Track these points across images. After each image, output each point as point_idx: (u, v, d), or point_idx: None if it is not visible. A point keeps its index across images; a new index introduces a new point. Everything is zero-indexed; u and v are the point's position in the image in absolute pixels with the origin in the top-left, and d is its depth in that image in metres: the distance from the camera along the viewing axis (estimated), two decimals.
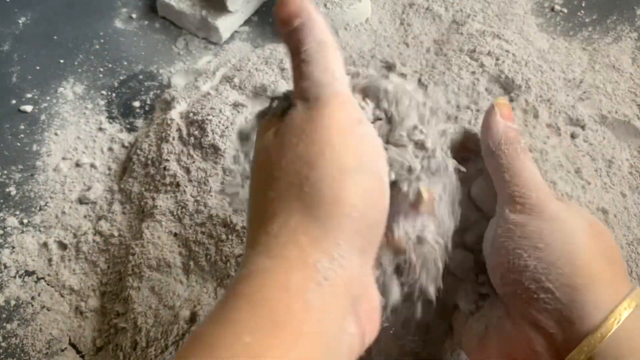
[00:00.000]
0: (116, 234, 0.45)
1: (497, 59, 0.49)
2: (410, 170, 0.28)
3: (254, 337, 0.20)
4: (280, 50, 0.53)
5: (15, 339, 0.41)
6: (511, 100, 0.46)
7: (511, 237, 0.29)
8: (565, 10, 0.58)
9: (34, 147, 0.50)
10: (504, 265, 0.29)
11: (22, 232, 0.46)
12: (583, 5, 0.58)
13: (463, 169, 0.31)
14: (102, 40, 0.58)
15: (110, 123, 0.52)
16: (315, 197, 0.24)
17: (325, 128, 0.25)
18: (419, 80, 0.47)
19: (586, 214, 0.30)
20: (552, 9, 0.58)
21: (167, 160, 0.45)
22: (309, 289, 0.22)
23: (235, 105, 0.47)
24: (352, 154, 0.25)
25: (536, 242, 0.28)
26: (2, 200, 0.47)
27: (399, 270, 0.29)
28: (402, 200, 0.28)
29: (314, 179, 0.24)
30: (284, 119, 0.27)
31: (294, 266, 0.22)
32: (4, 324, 0.41)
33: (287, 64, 0.51)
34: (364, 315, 0.24)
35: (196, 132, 0.46)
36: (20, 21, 0.59)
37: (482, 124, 0.32)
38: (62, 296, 0.43)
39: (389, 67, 0.49)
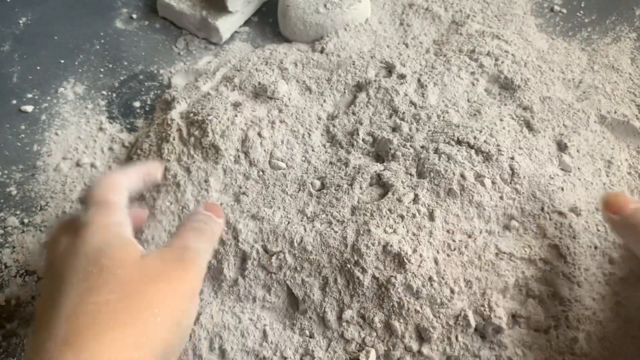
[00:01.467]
0: None
1: (497, 59, 0.49)
2: None
3: None
4: (280, 51, 0.53)
5: (16, 339, 0.41)
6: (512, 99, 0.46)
7: None
8: (565, 11, 0.58)
9: (35, 147, 0.50)
10: None
11: (23, 231, 0.46)
12: (582, 5, 0.58)
13: None
14: (102, 41, 0.58)
15: (111, 123, 0.52)
16: (148, 333, 0.28)
17: (185, 289, 0.31)
18: (419, 80, 0.47)
19: None
20: (552, 10, 0.58)
21: (167, 160, 0.45)
22: None
23: (236, 105, 0.47)
24: (187, 316, 0.31)
25: None
26: (2, 200, 0.47)
27: None
28: None
29: (152, 320, 0.29)
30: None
31: None
32: (5, 324, 0.42)
33: (288, 64, 0.51)
34: None
35: (196, 132, 0.46)
36: (20, 21, 0.59)
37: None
38: None
39: (389, 68, 0.49)
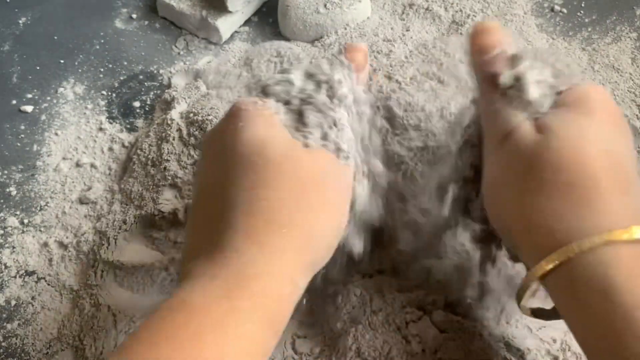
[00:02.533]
0: None
1: None
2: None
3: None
4: (280, 51, 0.53)
5: (16, 339, 0.41)
6: None
7: None
8: (565, 11, 0.58)
9: (35, 147, 0.50)
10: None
11: (23, 232, 0.46)
12: (583, 5, 0.58)
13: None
14: (102, 41, 0.58)
15: (111, 123, 0.52)
16: (317, 239, 0.29)
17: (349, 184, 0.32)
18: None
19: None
20: (552, 10, 0.58)
21: (167, 160, 0.45)
22: (288, 304, 0.28)
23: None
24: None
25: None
26: (2, 200, 0.47)
27: None
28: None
29: (320, 222, 0.29)
30: None
31: (287, 281, 0.28)
32: (5, 324, 0.42)
33: (286, 64, 0.51)
34: None
35: (196, 132, 0.46)
36: (20, 21, 0.59)
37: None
38: (62, 296, 0.43)
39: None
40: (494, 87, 0.31)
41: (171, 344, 0.23)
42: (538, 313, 0.31)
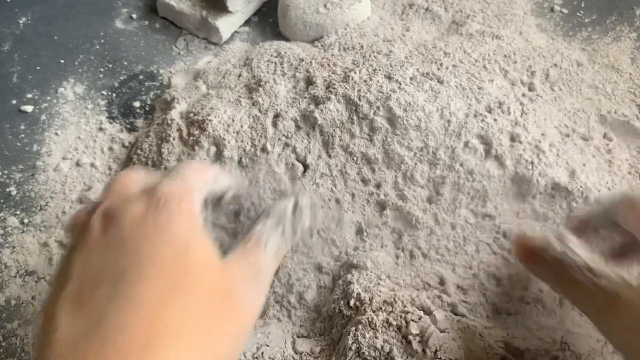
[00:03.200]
0: None
1: None
2: None
3: None
4: (280, 51, 0.53)
5: (16, 339, 0.41)
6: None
7: None
8: (565, 11, 0.58)
9: (35, 147, 0.50)
10: None
11: (23, 231, 0.46)
12: (582, 5, 0.58)
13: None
14: (102, 41, 0.58)
15: (111, 123, 0.52)
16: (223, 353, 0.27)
17: (257, 306, 0.31)
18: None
19: None
20: (552, 10, 0.58)
21: (167, 160, 0.45)
22: None
23: (236, 105, 0.47)
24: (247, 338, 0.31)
25: None
26: (2, 200, 0.47)
27: None
28: None
29: (230, 340, 0.28)
30: None
31: None
32: (5, 324, 0.42)
33: (286, 65, 0.51)
34: None
35: (196, 132, 0.46)
36: (20, 21, 0.59)
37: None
38: None
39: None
40: None
41: None
42: None
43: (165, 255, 0.26)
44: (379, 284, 0.38)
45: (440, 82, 0.46)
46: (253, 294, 0.29)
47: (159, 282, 0.25)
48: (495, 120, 0.43)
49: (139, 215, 0.27)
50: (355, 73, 0.46)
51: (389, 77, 0.46)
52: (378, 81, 0.45)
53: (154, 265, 0.26)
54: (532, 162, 0.41)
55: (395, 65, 0.47)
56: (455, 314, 0.37)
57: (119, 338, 0.23)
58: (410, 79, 0.46)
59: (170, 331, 0.24)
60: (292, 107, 0.46)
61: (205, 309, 0.26)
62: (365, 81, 0.46)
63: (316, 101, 0.46)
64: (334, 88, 0.46)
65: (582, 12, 0.58)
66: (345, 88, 0.45)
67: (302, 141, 0.44)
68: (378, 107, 0.43)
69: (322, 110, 0.44)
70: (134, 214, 0.27)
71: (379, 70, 0.47)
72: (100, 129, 0.51)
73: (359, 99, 0.44)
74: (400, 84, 0.45)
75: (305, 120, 0.45)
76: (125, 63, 0.56)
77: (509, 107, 0.44)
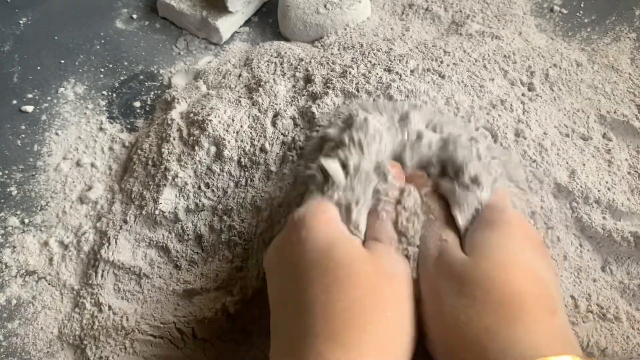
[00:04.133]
0: None
1: None
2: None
3: None
4: (280, 52, 0.53)
5: (17, 339, 0.41)
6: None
7: None
8: (565, 11, 0.58)
9: (35, 147, 0.50)
10: None
11: (23, 231, 0.46)
12: (582, 5, 0.58)
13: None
14: (102, 41, 0.58)
15: (111, 123, 0.52)
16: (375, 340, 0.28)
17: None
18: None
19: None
20: (551, 10, 0.58)
21: (167, 160, 0.45)
22: None
23: (236, 105, 0.47)
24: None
25: None
26: (3, 200, 0.47)
27: None
28: None
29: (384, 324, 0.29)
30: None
31: None
32: (5, 324, 0.42)
33: (286, 65, 0.51)
34: None
35: (196, 132, 0.46)
36: (21, 21, 0.59)
37: None
38: (63, 296, 0.43)
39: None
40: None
41: None
42: None
43: (314, 259, 0.29)
44: None
45: (442, 76, 0.46)
46: (403, 267, 0.31)
47: (317, 283, 0.29)
48: (499, 115, 0.43)
49: (286, 239, 0.32)
50: (353, 69, 0.46)
51: (388, 70, 0.46)
52: (377, 73, 0.45)
53: (309, 270, 0.29)
54: (534, 161, 0.41)
55: (394, 60, 0.47)
56: None
57: (308, 340, 0.27)
58: (411, 71, 0.46)
59: (345, 319, 0.27)
60: (291, 105, 0.46)
61: (367, 291, 0.28)
62: (364, 74, 0.46)
63: (314, 97, 0.46)
64: (332, 84, 0.46)
65: (581, 12, 0.58)
66: (343, 83, 0.45)
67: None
68: (378, 96, 0.43)
69: (319, 105, 0.44)
70: (284, 239, 0.32)
71: (378, 65, 0.47)
72: (101, 129, 0.52)
73: (357, 90, 0.44)
74: (400, 75, 0.45)
75: (303, 116, 0.45)
76: (126, 63, 0.56)
77: (511, 105, 0.44)
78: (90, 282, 0.43)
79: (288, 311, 0.29)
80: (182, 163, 0.45)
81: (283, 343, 0.29)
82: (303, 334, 0.27)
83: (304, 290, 0.29)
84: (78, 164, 0.49)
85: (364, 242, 0.32)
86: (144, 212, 0.44)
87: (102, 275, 0.42)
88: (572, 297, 0.38)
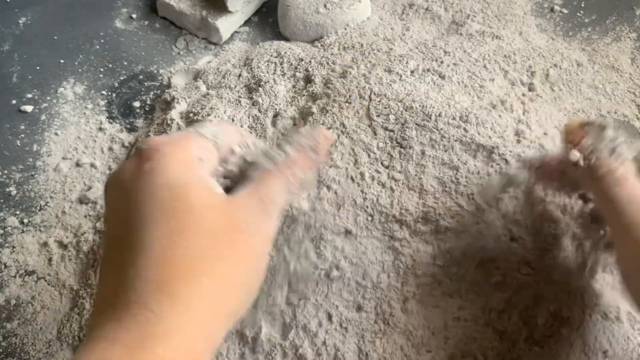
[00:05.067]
0: None
1: None
2: None
3: None
4: (280, 52, 0.53)
5: (16, 339, 0.41)
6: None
7: None
8: (565, 11, 0.58)
9: (34, 147, 0.50)
10: None
11: (23, 231, 0.46)
12: (582, 5, 0.58)
13: None
14: (102, 41, 0.58)
15: (111, 123, 0.52)
16: (241, 305, 0.27)
17: (268, 238, 0.29)
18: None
19: None
20: (552, 10, 0.58)
21: None
22: None
23: (236, 105, 0.47)
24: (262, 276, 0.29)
25: None
26: (2, 200, 0.47)
27: None
28: None
29: (248, 289, 0.28)
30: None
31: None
32: (4, 324, 0.42)
33: (286, 65, 0.51)
34: None
35: None
36: (20, 21, 0.59)
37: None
38: (62, 296, 0.43)
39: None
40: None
41: None
42: None
43: (164, 198, 0.26)
44: None
45: (442, 77, 0.46)
46: (263, 224, 0.29)
47: (163, 225, 0.26)
48: (500, 115, 0.43)
49: (135, 168, 0.28)
50: (353, 69, 0.46)
51: (389, 71, 0.46)
52: (377, 74, 0.45)
53: (155, 209, 0.26)
54: None
55: (394, 60, 0.47)
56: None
57: (136, 284, 0.25)
58: (412, 72, 0.46)
59: (181, 269, 0.25)
60: (291, 105, 0.46)
61: (213, 242, 0.26)
62: (364, 75, 0.46)
63: (314, 98, 0.46)
64: (331, 84, 0.46)
65: (582, 12, 0.58)
66: (343, 83, 0.45)
67: None
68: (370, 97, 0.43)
69: (319, 105, 0.44)
70: (132, 168, 0.28)
71: (378, 65, 0.47)
72: (100, 129, 0.51)
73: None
74: (400, 76, 0.45)
75: (303, 117, 0.45)
76: (125, 63, 0.56)
77: (512, 105, 0.44)
78: (89, 282, 0.43)
79: (122, 251, 0.26)
80: None
81: (108, 287, 0.26)
82: (132, 277, 0.25)
83: (145, 230, 0.26)
84: (77, 164, 0.49)
85: (230, 190, 0.29)
86: None
87: None
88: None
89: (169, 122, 0.48)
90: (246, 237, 0.28)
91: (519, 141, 0.42)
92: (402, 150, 0.41)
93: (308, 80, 0.48)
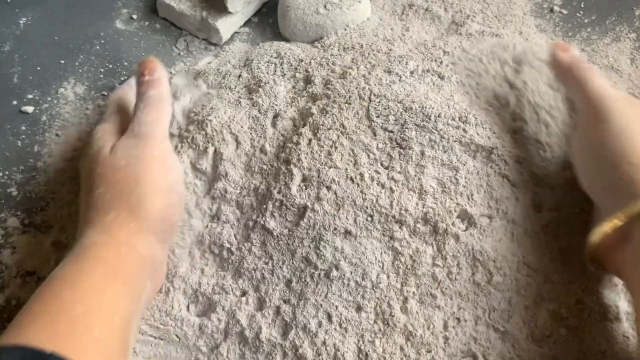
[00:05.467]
0: None
1: None
2: None
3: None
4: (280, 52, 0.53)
5: None
6: None
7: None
8: (564, 11, 0.58)
9: (35, 148, 0.51)
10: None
11: (23, 232, 0.46)
12: (582, 6, 0.58)
13: None
14: (102, 41, 0.58)
15: None
16: (138, 205, 0.37)
17: (148, 158, 0.38)
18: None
19: None
20: (551, 10, 0.58)
21: None
22: (130, 259, 0.36)
23: (236, 105, 0.47)
24: (163, 178, 0.39)
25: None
26: (3, 201, 0.47)
27: None
28: None
29: (138, 193, 0.37)
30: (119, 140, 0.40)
31: (122, 243, 0.36)
32: (5, 324, 0.42)
33: (286, 65, 0.51)
34: (157, 279, 0.39)
35: (195, 132, 0.46)
36: (21, 22, 0.59)
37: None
38: None
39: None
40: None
41: (45, 299, 0.33)
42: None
43: (84, 164, 0.42)
44: None
45: (442, 77, 0.46)
46: (140, 150, 0.39)
47: (84, 184, 0.41)
48: (497, 114, 0.43)
49: (83, 151, 0.46)
50: (353, 70, 0.47)
51: (388, 72, 0.46)
52: (377, 75, 0.45)
53: (82, 173, 0.42)
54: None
55: (394, 61, 0.47)
56: None
57: (79, 220, 0.40)
58: (411, 72, 0.46)
59: (95, 210, 0.37)
60: (291, 106, 0.46)
61: (109, 188, 0.37)
62: (363, 76, 0.46)
63: (314, 98, 0.46)
64: (331, 85, 0.46)
65: (581, 12, 0.58)
66: (343, 84, 0.45)
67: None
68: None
69: (319, 106, 0.45)
70: (83, 152, 0.46)
71: (378, 66, 0.47)
72: None
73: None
74: (400, 77, 0.45)
75: (302, 117, 0.45)
76: (126, 63, 0.56)
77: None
78: None
79: (81, 205, 0.40)
80: (182, 162, 0.45)
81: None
82: (79, 221, 0.39)
83: (86, 188, 0.39)
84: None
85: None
86: None
87: None
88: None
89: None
90: (129, 170, 0.38)
91: (514, 140, 0.42)
92: (402, 151, 0.42)
93: (308, 81, 0.48)
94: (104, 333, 0.31)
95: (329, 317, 0.38)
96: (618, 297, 0.39)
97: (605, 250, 0.35)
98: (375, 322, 0.38)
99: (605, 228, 0.34)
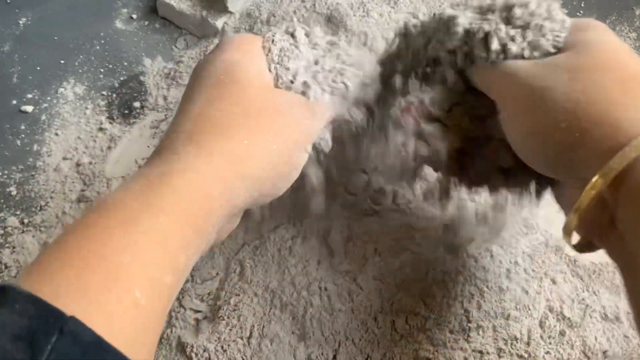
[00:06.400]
0: None
1: None
2: None
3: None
4: None
5: None
6: None
7: None
8: (565, 11, 0.58)
9: (35, 147, 0.50)
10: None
11: (23, 232, 0.46)
12: (582, 5, 0.58)
13: None
14: (102, 41, 0.58)
15: (111, 123, 0.52)
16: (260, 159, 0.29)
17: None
18: None
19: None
20: None
21: None
22: (216, 206, 0.27)
23: None
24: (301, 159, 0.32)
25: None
26: (2, 200, 0.47)
27: None
28: None
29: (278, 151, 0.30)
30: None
31: (216, 182, 0.27)
32: None
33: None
34: (219, 237, 0.30)
35: None
36: (20, 22, 0.59)
37: None
38: None
39: None
40: None
41: (79, 241, 0.23)
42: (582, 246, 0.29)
43: (215, 71, 0.31)
44: None
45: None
46: (305, 120, 0.31)
47: (208, 92, 0.30)
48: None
49: (210, 53, 0.34)
50: None
51: None
52: None
53: (206, 80, 0.31)
54: None
55: None
56: None
57: (172, 136, 0.29)
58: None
59: (210, 125, 0.29)
60: None
61: (246, 112, 0.30)
62: None
63: None
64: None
65: (581, 12, 0.58)
66: None
67: None
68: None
69: None
70: (207, 54, 0.34)
71: None
72: (101, 129, 0.52)
73: None
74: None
75: None
76: (126, 63, 0.56)
77: None
78: None
79: (180, 110, 0.31)
80: None
81: (160, 143, 0.30)
82: (171, 131, 0.29)
83: (193, 98, 0.31)
84: (78, 164, 0.49)
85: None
86: None
87: None
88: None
89: None
90: (283, 119, 0.31)
91: None
92: None
93: None
94: (148, 294, 0.23)
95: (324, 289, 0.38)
96: (618, 297, 0.39)
97: (587, 231, 0.28)
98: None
99: (587, 196, 0.26)
